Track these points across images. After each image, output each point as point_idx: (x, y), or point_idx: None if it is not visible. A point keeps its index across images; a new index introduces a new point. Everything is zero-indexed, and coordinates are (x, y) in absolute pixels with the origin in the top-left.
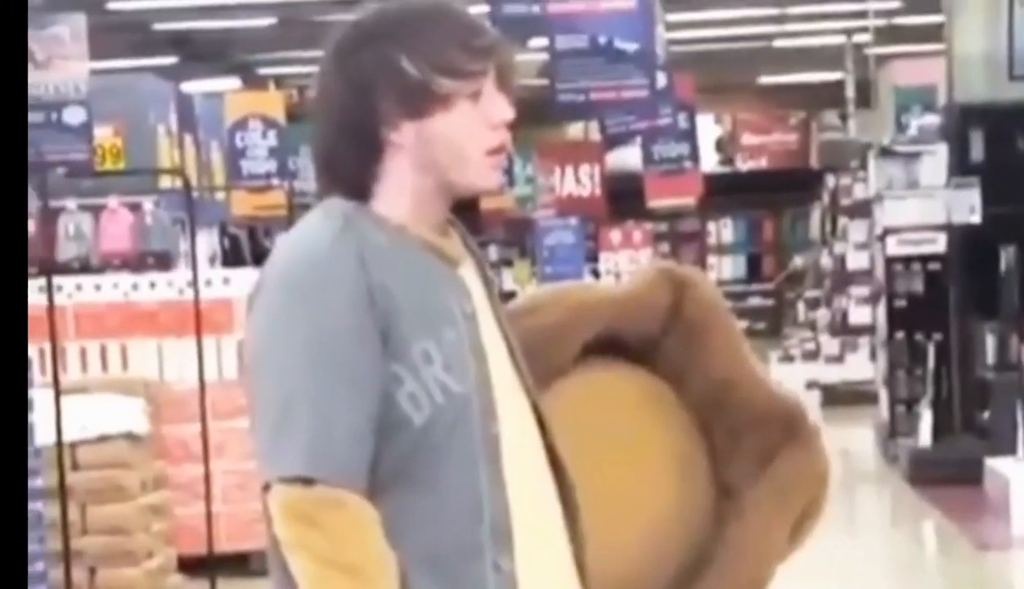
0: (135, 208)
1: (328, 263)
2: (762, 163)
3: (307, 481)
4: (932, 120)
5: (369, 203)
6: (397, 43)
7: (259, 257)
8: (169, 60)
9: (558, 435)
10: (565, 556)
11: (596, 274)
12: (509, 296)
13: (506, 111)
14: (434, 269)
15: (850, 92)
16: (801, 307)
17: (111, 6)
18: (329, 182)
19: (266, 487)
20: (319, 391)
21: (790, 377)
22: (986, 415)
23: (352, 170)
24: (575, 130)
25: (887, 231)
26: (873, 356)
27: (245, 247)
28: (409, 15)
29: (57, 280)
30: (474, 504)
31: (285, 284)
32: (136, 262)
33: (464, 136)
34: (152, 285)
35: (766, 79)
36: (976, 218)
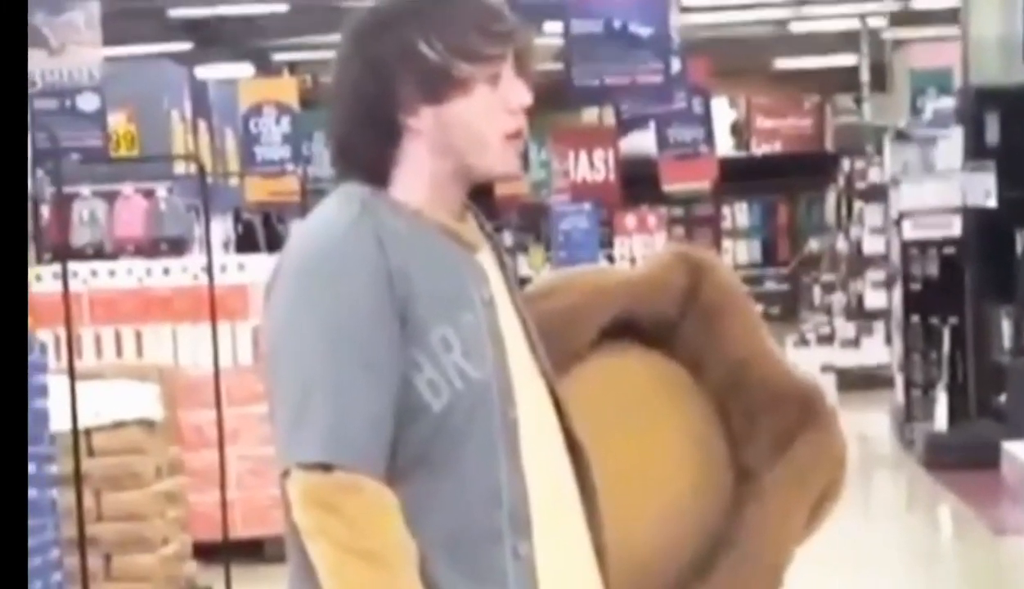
0: (149, 194)
1: (346, 248)
2: (777, 147)
3: (326, 467)
4: (947, 103)
5: (387, 188)
6: (416, 27)
7: (273, 243)
8: (183, 46)
9: (575, 420)
10: (583, 541)
11: (611, 259)
12: (524, 281)
13: (524, 96)
14: (452, 254)
15: (865, 76)
16: (817, 291)
17: None
18: (346, 167)
19: (285, 474)
20: (338, 377)
21: (806, 361)
22: (1002, 399)
23: (370, 155)
24: (590, 115)
25: (902, 215)
26: (889, 340)
27: (259, 233)
28: (428, 0)
29: (72, 266)
30: (493, 489)
31: (303, 270)
32: (150, 248)
33: (482, 120)
34: (166, 271)
35: (781, 63)
36: (992, 202)
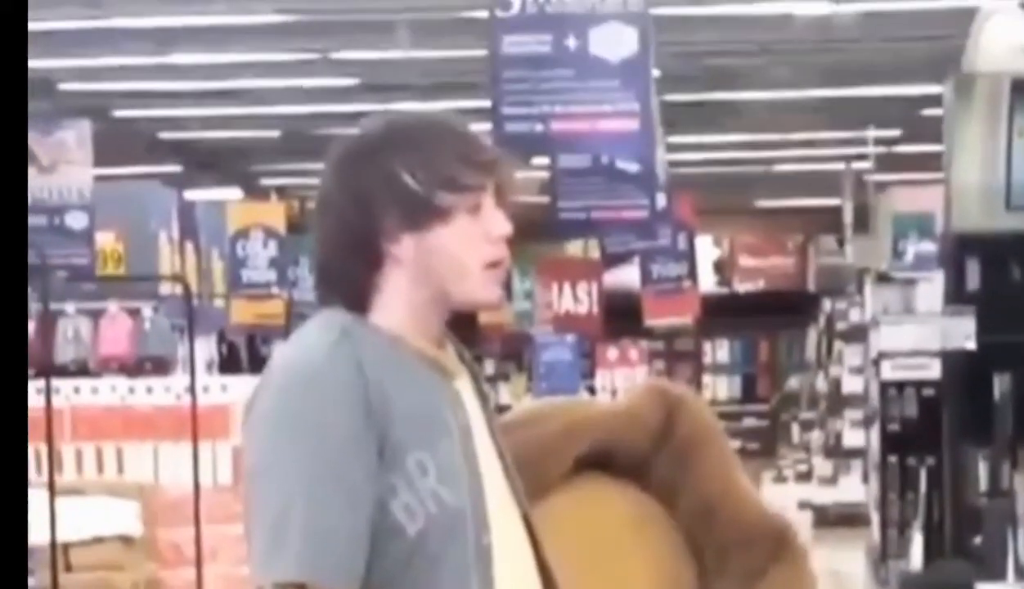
0: (134, 313)
1: (325, 372)
2: (759, 285)
3: (301, 587)
4: (929, 247)
5: (367, 314)
6: (399, 157)
7: (256, 365)
8: (173, 168)
9: (548, 549)
10: None
11: (592, 391)
12: (503, 409)
13: (504, 226)
14: (430, 380)
15: (848, 217)
16: (795, 428)
17: (117, 114)
18: (328, 292)
19: None
20: (315, 499)
21: (783, 497)
22: (978, 540)
23: (351, 281)
24: (574, 248)
25: (882, 355)
26: (866, 479)
27: (243, 354)
28: (411, 129)
29: (55, 382)
30: None
31: (283, 392)
32: (134, 367)
33: (464, 249)
34: (149, 390)
35: (765, 202)
36: (971, 345)
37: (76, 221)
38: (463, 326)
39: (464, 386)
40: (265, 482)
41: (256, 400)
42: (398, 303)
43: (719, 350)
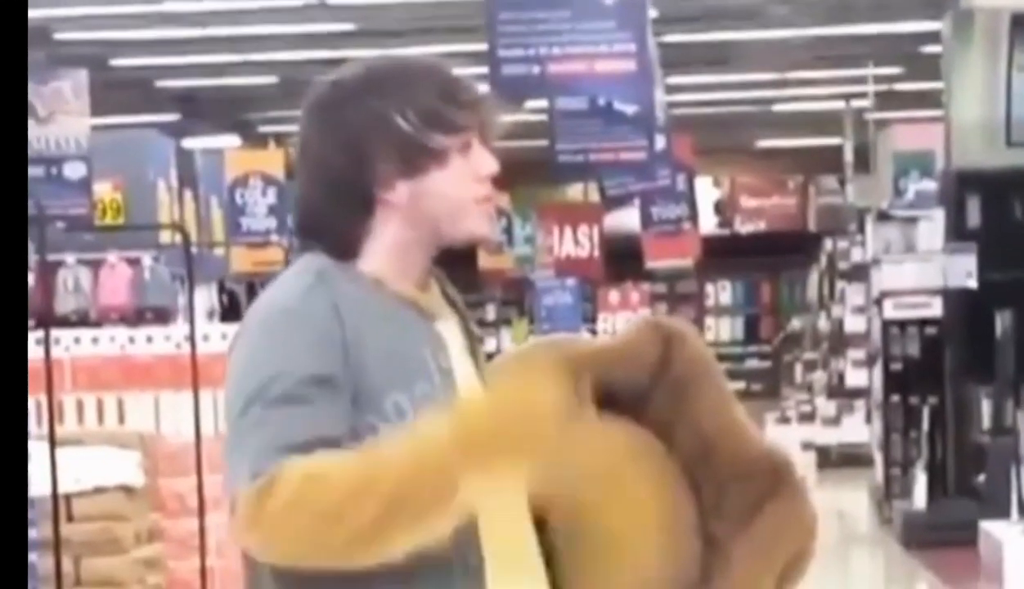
0: (134, 263)
1: (301, 313)
2: (760, 226)
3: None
4: (929, 185)
5: (355, 259)
6: (387, 100)
7: None
8: (171, 117)
9: (546, 484)
10: None
11: (594, 335)
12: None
13: (492, 164)
14: (410, 322)
15: (848, 157)
16: (798, 369)
17: (114, 63)
18: (313, 238)
19: (232, 509)
20: (273, 421)
21: (786, 439)
22: (981, 478)
23: (341, 229)
24: (574, 191)
25: (884, 295)
26: (869, 419)
27: (243, 303)
28: (394, 72)
29: (55, 333)
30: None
31: (261, 332)
32: (134, 316)
33: (458, 189)
34: (149, 339)
35: (765, 143)
36: (972, 283)
37: (74, 171)
38: (463, 270)
39: (449, 328)
40: (234, 408)
41: (235, 344)
42: (384, 247)
43: (721, 292)
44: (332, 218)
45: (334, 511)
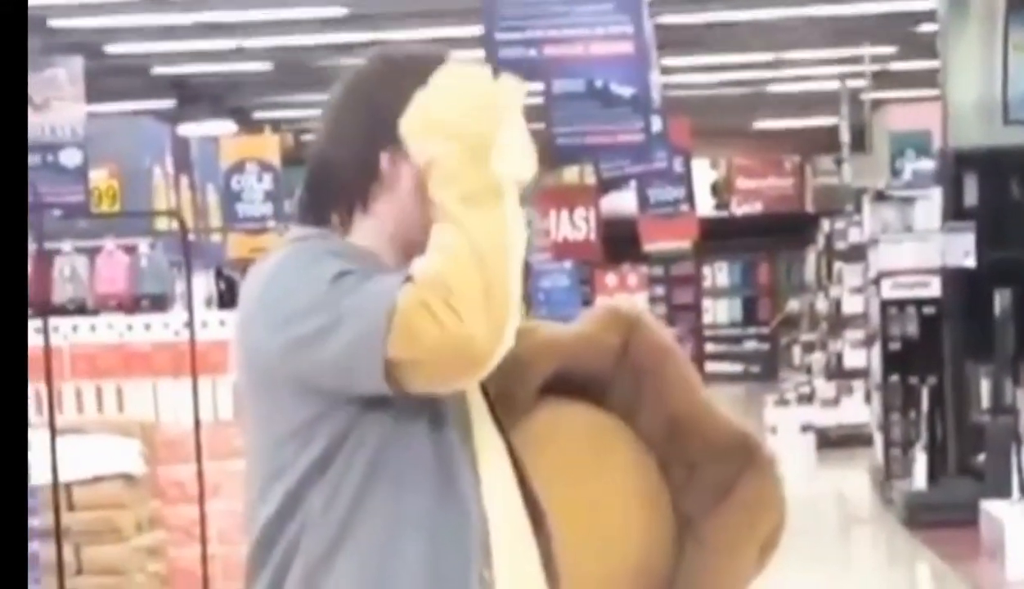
0: (131, 250)
1: (307, 259)
2: (757, 207)
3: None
4: (927, 165)
5: (345, 234)
6: (418, 82)
7: None
8: (166, 103)
9: (527, 470)
10: (539, 582)
11: None
12: None
13: None
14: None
15: (845, 137)
16: (796, 351)
17: (109, 49)
18: (311, 204)
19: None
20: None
21: (785, 420)
22: (981, 458)
23: (341, 189)
24: (571, 174)
25: (882, 275)
26: (868, 399)
27: (240, 289)
28: (431, 65)
29: (53, 321)
30: (463, 512)
31: (295, 257)
32: (132, 304)
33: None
34: (147, 327)
35: (761, 124)
36: (971, 262)
37: (70, 158)
38: None
39: None
40: (298, 319)
41: (243, 306)
42: (372, 231)
43: (718, 273)
44: (336, 179)
45: (469, 290)
